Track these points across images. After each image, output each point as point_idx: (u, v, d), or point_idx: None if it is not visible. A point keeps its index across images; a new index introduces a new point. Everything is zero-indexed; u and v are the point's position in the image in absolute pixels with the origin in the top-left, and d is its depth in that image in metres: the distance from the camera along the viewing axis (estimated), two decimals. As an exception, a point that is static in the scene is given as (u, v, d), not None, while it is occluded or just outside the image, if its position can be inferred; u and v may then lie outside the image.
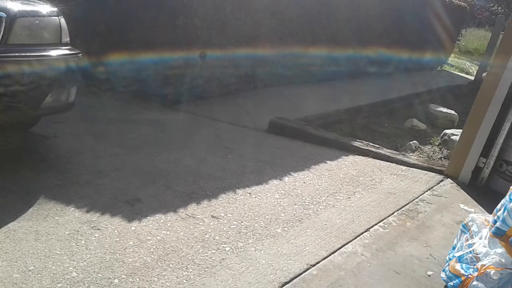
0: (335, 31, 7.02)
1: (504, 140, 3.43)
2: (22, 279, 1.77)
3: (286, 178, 3.21)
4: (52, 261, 1.91)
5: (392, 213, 2.89)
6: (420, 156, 4.31)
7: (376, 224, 2.69)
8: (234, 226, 2.42)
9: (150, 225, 2.31)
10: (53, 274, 1.83)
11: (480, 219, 2.19)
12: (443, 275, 2.15)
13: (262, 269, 2.06)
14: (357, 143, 4.19)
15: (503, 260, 1.84)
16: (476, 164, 3.58)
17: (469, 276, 1.93)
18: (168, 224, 2.34)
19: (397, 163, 3.91)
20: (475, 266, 1.93)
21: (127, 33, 4.69)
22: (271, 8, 5.64)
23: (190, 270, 1.98)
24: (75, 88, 3.06)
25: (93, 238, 2.13)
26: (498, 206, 2.03)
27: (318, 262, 2.17)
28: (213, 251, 2.15)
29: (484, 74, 6.81)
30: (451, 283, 2.04)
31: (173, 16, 4.54)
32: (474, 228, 2.16)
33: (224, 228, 2.38)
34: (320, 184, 3.21)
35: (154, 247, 2.12)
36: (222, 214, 2.54)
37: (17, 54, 2.56)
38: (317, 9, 6.50)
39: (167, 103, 4.76)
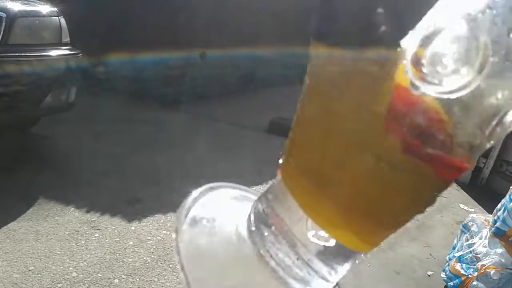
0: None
1: (504, 140, 3.43)
2: (22, 279, 1.77)
3: (286, 178, 3.21)
4: (52, 261, 1.91)
5: (392, 213, 2.88)
6: (420, 156, 4.31)
7: (376, 224, 2.68)
8: (234, 226, 2.42)
9: (150, 225, 2.31)
10: (53, 274, 1.83)
11: (480, 219, 2.19)
12: (443, 275, 2.15)
13: (262, 269, 2.06)
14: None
15: (503, 260, 1.84)
16: (476, 164, 3.58)
17: (469, 276, 1.93)
18: (168, 224, 2.34)
19: (397, 163, 3.90)
20: (475, 266, 1.93)
21: (127, 33, 4.69)
22: (271, 8, 5.64)
23: (190, 270, 1.97)
24: (75, 88, 3.06)
25: (93, 238, 2.13)
26: (498, 206, 2.03)
27: (318, 262, 2.17)
28: (213, 251, 2.15)
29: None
30: (451, 283, 2.03)
31: (173, 16, 4.53)
32: (474, 228, 2.16)
33: (224, 228, 2.38)
34: (320, 184, 3.20)
35: (154, 247, 2.12)
36: (222, 214, 2.53)
37: (17, 54, 2.56)
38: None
39: (167, 103, 4.76)
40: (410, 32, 0.19)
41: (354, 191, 0.20)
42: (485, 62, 0.17)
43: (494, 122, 0.18)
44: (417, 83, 0.18)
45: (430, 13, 0.20)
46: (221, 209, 0.28)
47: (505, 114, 0.18)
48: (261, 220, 0.24)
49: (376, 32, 0.18)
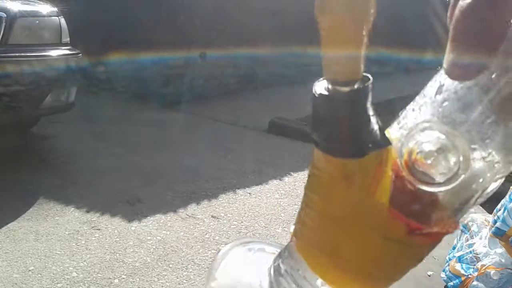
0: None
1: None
2: (22, 279, 1.77)
3: (286, 178, 3.21)
4: (52, 261, 1.91)
5: (392, 213, 2.88)
6: (420, 156, 4.30)
7: (376, 224, 2.69)
8: (234, 226, 2.42)
9: (150, 225, 2.31)
10: (53, 274, 1.83)
11: (480, 219, 2.19)
12: (443, 275, 2.15)
13: (262, 269, 2.06)
14: (357, 143, 4.18)
15: (503, 260, 1.84)
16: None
17: (469, 276, 1.93)
18: (168, 224, 2.35)
19: (397, 163, 3.90)
20: (475, 266, 1.93)
21: (127, 33, 4.69)
22: (271, 8, 5.64)
23: (190, 270, 1.98)
24: (75, 88, 3.06)
25: (93, 238, 2.13)
26: (498, 206, 2.03)
27: (318, 262, 2.17)
28: (213, 251, 2.15)
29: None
30: (451, 283, 2.03)
31: (173, 16, 4.53)
32: (474, 228, 2.16)
33: (224, 228, 2.38)
34: (320, 184, 3.20)
35: (154, 247, 2.12)
36: (222, 214, 2.54)
37: (17, 54, 2.56)
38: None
39: (167, 103, 4.76)
40: (397, 123, 0.24)
41: (363, 262, 0.24)
42: (468, 164, 0.21)
43: (479, 193, 0.22)
44: (411, 180, 0.22)
45: (413, 107, 0.23)
46: (246, 265, 0.31)
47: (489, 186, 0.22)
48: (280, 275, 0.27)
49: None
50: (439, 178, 0.21)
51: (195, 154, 3.45)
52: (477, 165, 0.21)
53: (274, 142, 4.11)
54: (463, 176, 0.21)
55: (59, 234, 2.13)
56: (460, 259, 2.07)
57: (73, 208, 2.38)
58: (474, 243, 2.07)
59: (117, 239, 2.15)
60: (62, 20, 2.88)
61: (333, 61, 0.22)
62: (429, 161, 0.21)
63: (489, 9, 0.19)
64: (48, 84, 2.75)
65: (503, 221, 1.87)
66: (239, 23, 5.19)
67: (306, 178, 0.25)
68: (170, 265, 1.99)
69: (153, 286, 1.84)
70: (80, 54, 3.01)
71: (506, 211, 1.87)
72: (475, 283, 1.87)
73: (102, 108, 4.38)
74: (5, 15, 2.51)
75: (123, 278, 1.86)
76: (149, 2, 4.58)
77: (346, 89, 0.21)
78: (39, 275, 1.81)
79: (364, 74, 0.22)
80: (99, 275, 1.86)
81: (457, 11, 0.20)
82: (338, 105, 0.22)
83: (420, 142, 0.22)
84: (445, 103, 0.22)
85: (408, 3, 8.99)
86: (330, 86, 0.22)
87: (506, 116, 0.21)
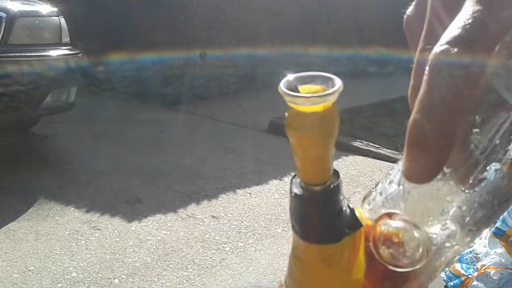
0: (335, 31, 7.03)
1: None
2: (22, 279, 1.77)
3: (286, 178, 3.21)
4: (52, 261, 1.91)
5: (392, 213, 2.88)
6: (420, 156, 4.30)
7: (376, 224, 2.68)
8: (234, 226, 2.42)
9: (150, 225, 2.31)
10: (53, 274, 1.83)
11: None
12: (443, 275, 2.15)
13: (262, 269, 2.06)
14: (357, 143, 4.19)
15: (503, 260, 1.84)
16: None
17: (469, 276, 1.93)
18: (168, 224, 2.35)
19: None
20: (475, 266, 1.93)
21: (127, 33, 4.69)
22: (271, 8, 5.64)
23: (190, 270, 1.98)
24: (75, 88, 3.06)
25: (93, 238, 2.13)
26: (498, 206, 2.02)
27: (318, 262, 2.17)
28: (213, 251, 2.15)
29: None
30: (451, 283, 2.03)
31: (173, 16, 4.53)
32: (474, 228, 2.16)
33: (224, 228, 2.38)
34: (320, 184, 3.20)
35: (154, 247, 2.12)
36: (222, 214, 2.54)
37: (17, 54, 2.56)
38: (317, 9, 6.50)
39: (167, 103, 4.76)
40: (367, 204, 0.26)
41: None
42: (429, 251, 0.23)
43: (445, 264, 0.25)
44: (381, 262, 0.24)
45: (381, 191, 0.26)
46: None
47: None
48: None
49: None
50: (405, 261, 0.24)
51: (195, 154, 3.45)
52: (439, 238, 0.24)
53: (274, 142, 4.11)
54: (424, 261, 0.24)
55: (59, 234, 2.13)
56: (460, 259, 2.07)
57: (73, 208, 2.38)
58: (474, 243, 2.07)
59: (117, 239, 2.15)
60: (62, 20, 2.88)
61: (303, 170, 0.24)
62: (396, 240, 0.24)
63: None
64: (48, 84, 2.75)
65: (503, 221, 1.87)
66: (239, 23, 5.19)
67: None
68: (170, 265, 1.99)
69: (153, 286, 1.84)
70: (80, 54, 3.01)
71: (506, 211, 1.87)
72: (475, 283, 1.87)
73: (102, 108, 4.38)
74: (5, 15, 2.51)
75: (123, 278, 1.86)
76: (149, 2, 4.58)
77: (318, 188, 0.24)
78: (39, 275, 1.81)
79: (334, 170, 0.24)
80: (99, 275, 1.86)
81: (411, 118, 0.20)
82: (312, 203, 0.24)
83: (388, 225, 0.24)
84: (407, 195, 0.24)
85: (408, 3, 8.98)
86: (304, 185, 0.24)
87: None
